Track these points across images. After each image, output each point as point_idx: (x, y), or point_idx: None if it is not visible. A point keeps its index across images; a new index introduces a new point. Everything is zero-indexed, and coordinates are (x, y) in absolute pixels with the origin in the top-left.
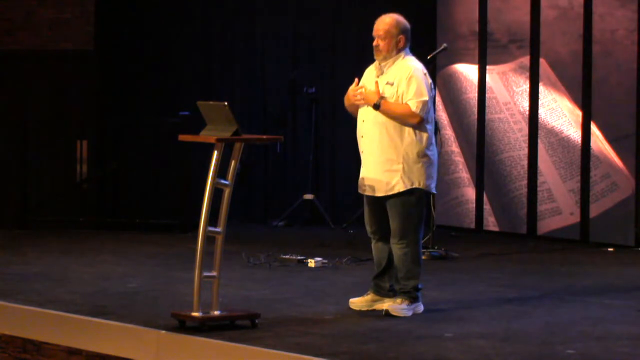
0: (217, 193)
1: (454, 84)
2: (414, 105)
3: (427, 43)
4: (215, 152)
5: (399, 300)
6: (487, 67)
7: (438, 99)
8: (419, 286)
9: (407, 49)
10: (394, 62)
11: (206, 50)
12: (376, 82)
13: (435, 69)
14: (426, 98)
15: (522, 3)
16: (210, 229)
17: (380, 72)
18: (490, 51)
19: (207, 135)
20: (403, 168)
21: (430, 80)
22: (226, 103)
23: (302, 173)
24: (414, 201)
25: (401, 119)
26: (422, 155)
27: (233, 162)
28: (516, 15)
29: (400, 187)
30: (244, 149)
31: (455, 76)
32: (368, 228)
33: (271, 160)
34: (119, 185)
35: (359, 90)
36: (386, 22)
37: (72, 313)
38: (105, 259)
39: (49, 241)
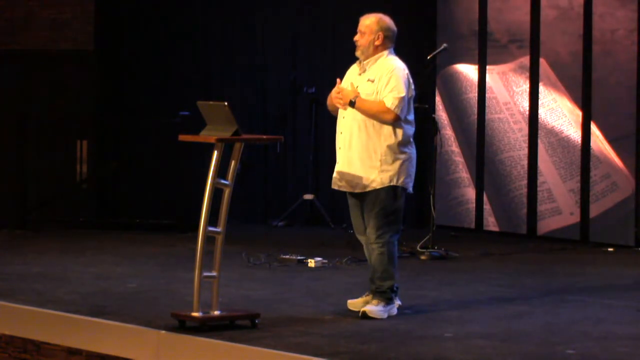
0: (217, 193)
1: (454, 84)
2: (389, 102)
3: (427, 43)
4: (215, 152)
5: (375, 301)
6: (487, 67)
7: (438, 99)
8: (395, 287)
9: (392, 50)
10: (376, 61)
11: (206, 51)
12: (351, 83)
13: (435, 69)
14: (403, 95)
15: (522, 3)
16: (210, 229)
17: (363, 70)
18: (490, 51)
19: (207, 135)
20: (381, 165)
21: (412, 82)
22: (226, 103)
23: (302, 173)
24: (391, 199)
25: (376, 115)
26: (399, 152)
27: (233, 162)
28: (516, 15)
29: (377, 184)
30: (244, 149)
31: (455, 76)
32: (358, 231)
33: (271, 160)
34: (119, 185)
35: (337, 91)
36: (369, 19)
37: (72, 313)
38: (105, 259)
39: (49, 241)
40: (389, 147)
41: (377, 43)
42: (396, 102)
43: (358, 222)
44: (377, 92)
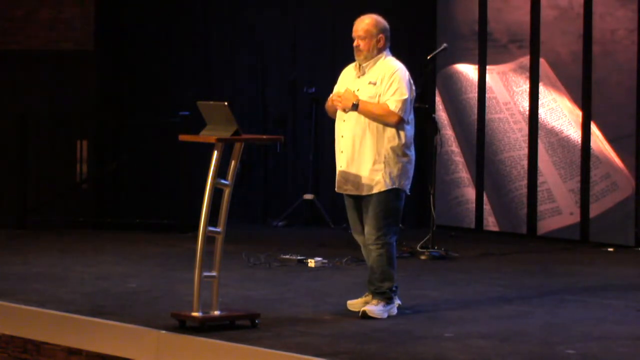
0: (217, 193)
1: (454, 84)
2: (393, 105)
3: (427, 43)
4: (215, 152)
5: (374, 301)
6: (487, 67)
7: (438, 99)
8: (394, 287)
9: (388, 50)
10: (375, 63)
11: (206, 50)
12: (347, 89)
13: (435, 69)
14: (406, 97)
15: (522, 3)
16: (210, 229)
17: (362, 73)
18: (490, 51)
19: (207, 135)
20: (384, 167)
21: (412, 82)
22: (226, 103)
23: (302, 173)
24: (392, 200)
25: (380, 118)
26: (403, 154)
27: (233, 162)
28: (516, 15)
29: (381, 186)
30: (244, 149)
31: (455, 76)
32: (355, 231)
33: (271, 160)
34: (119, 185)
35: (336, 94)
36: (365, 22)
37: (72, 313)
38: (105, 259)
39: (49, 241)
40: (393, 149)
41: (379, 46)
42: (399, 105)
43: (355, 222)
44: (380, 95)
